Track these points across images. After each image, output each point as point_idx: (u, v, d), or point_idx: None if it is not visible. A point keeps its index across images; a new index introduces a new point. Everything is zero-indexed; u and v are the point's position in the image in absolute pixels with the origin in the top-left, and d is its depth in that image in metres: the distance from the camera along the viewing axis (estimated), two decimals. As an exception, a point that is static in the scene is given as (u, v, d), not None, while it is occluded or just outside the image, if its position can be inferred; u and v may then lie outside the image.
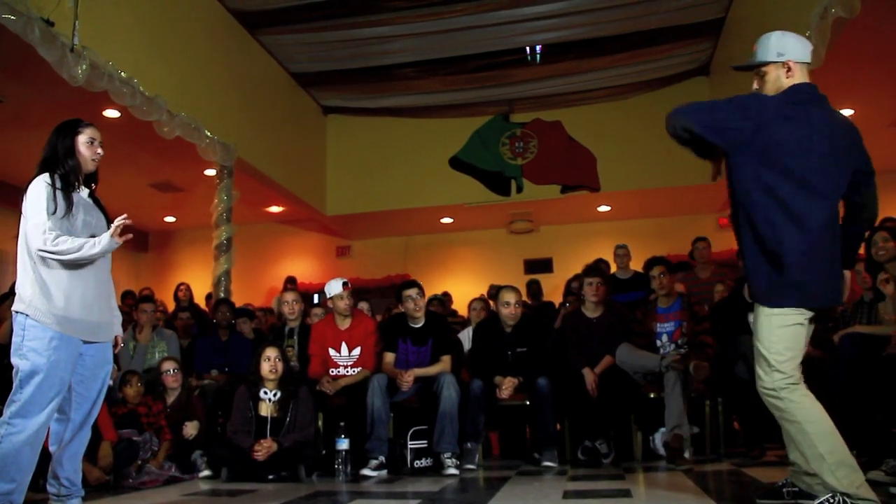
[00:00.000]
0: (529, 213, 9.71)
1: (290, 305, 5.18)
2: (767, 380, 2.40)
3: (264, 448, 3.99)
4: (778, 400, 2.38)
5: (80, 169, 2.81)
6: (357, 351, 4.72)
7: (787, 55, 2.50)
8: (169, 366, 4.63)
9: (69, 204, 2.68)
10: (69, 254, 2.58)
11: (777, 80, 2.51)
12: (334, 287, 4.74)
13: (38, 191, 2.64)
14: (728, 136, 2.43)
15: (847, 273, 2.55)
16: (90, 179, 2.89)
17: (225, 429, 4.34)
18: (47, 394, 2.55)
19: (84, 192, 2.83)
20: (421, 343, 4.67)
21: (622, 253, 6.44)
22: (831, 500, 2.30)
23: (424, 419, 4.41)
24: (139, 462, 4.09)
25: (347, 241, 10.70)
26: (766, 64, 2.53)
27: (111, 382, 3.89)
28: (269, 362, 4.24)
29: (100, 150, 2.86)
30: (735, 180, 2.48)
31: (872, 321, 3.89)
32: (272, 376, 4.24)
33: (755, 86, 2.58)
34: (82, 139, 2.81)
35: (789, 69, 2.49)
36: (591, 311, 4.84)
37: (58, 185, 2.68)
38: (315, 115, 9.41)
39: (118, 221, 2.63)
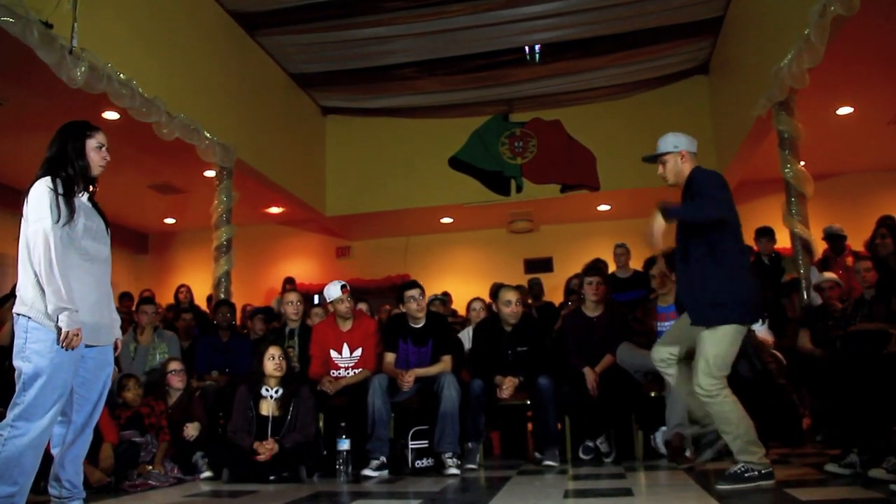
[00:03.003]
0: (529, 212, 9.70)
1: (295, 305, 5.17)
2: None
3: (266, 449, 3.99)
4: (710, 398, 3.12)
5: (88, 172, 2.80)
6: (358, 352, 4.72)
7: (680, 147, 3.31)
8: (175, 366, 4.64)
9: (71, 210, 2.66)
10: (53, 289, 2.54)
11: (675, 165, 3.34)
12: (333, 291, 4.71)
13: (41, 196, 2.62)
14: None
15: None
16: (89, 183, 2.87)
17: (225, 430, 4.34)
18: (50, 396, 2.55)
19: (84, 197, 2.82)
20: (421, 343, 4.67)
21: (622, 252, 6.45)
22: (743, 468, 3.05)
23: (425, 419, 4.41)
24: (148, 468, 4.09)
25: (347, 241, 10.69)
26: (667, 154, 3.34)
27: (112, 385, 3.88)
28: (274, 361, 4.24)
29: (107, 157, 2.86)
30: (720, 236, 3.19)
31: (873, 319, 3.89)
32: (277, 373, 4.24)
33: (659, 171, 3.39)
34: (92, 143, 2.81)
35: (683, 157, 3.32)
36: (591, 311, 4.85)
37: (60, 189, 2.66)
38: (314, 116, 9.41)
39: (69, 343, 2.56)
